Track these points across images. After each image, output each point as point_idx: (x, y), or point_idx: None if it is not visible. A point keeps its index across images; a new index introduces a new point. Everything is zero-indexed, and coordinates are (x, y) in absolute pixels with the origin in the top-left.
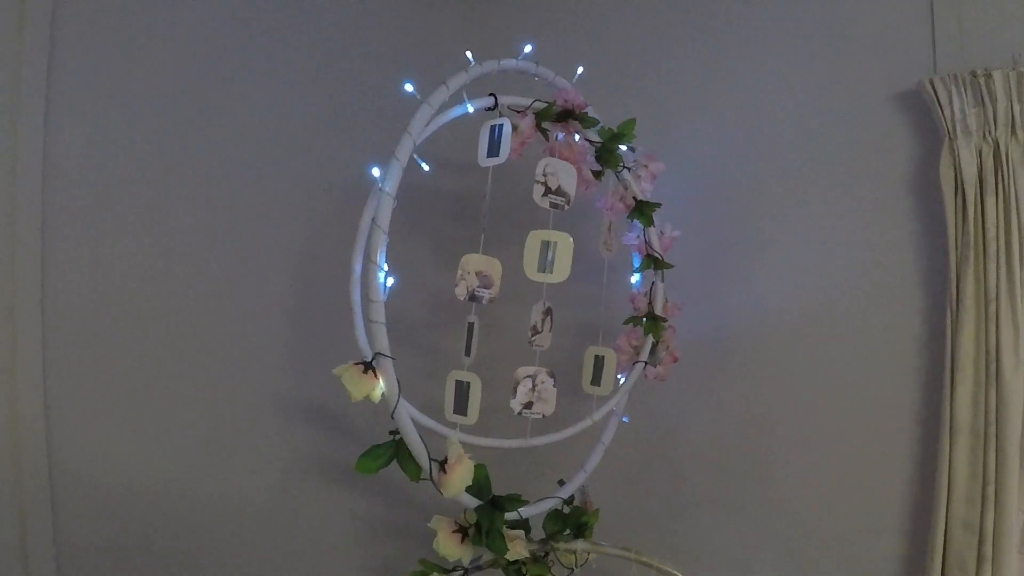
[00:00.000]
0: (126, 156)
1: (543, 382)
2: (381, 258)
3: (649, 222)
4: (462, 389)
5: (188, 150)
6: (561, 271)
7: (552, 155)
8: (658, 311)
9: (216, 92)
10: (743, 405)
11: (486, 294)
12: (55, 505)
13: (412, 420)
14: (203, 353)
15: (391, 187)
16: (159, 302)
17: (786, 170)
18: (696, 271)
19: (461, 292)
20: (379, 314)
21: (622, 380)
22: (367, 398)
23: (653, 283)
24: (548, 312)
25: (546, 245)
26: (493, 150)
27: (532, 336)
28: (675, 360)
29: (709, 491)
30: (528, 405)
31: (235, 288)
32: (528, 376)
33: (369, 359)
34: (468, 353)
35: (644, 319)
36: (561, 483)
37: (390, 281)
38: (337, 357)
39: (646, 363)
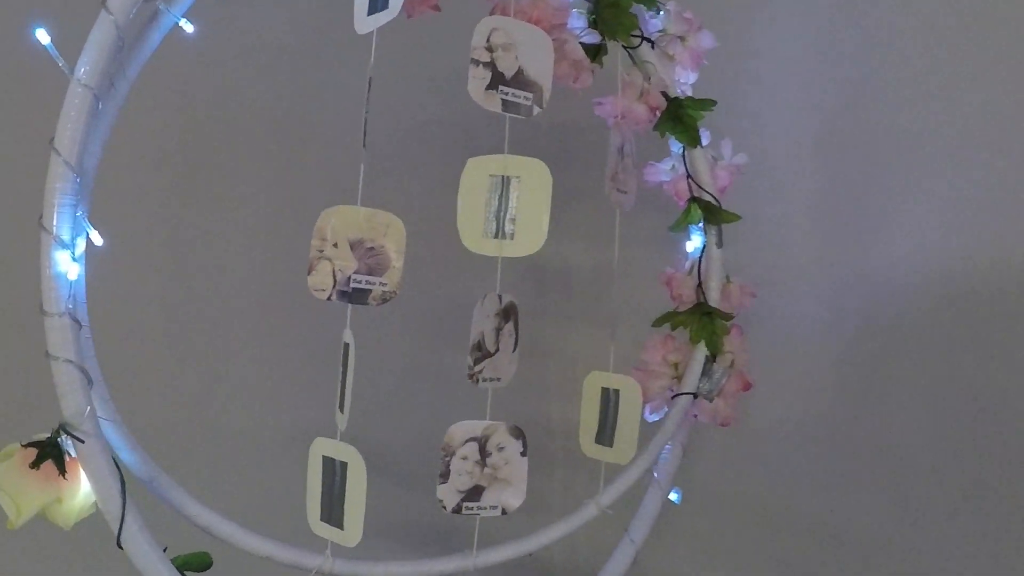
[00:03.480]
0: None
1: (502, 447)
2: (62, 219)
3: (693, 140)
4: (332, 476)
5: None
6: (530, 234)
7: (503, 14)
8: (714, 300)
9: None
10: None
11: (374, 286)
12: None
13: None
14: None
15: (87, 71)
16: None
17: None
18: (790, 228)
19: (320, 282)
20: (62, 342)
21: (655, 419)
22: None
23: (704, 250)
24: (508, 314)
25: (498, 185)
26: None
27: (475, 364)
28: (746, 388)
29: None
30: (473, 494)
31: None
32: (471, 440)
33: (51, 434)
34: (342, 406)
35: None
36: None
37: (75, 272)
38: None
39: (695, 395)
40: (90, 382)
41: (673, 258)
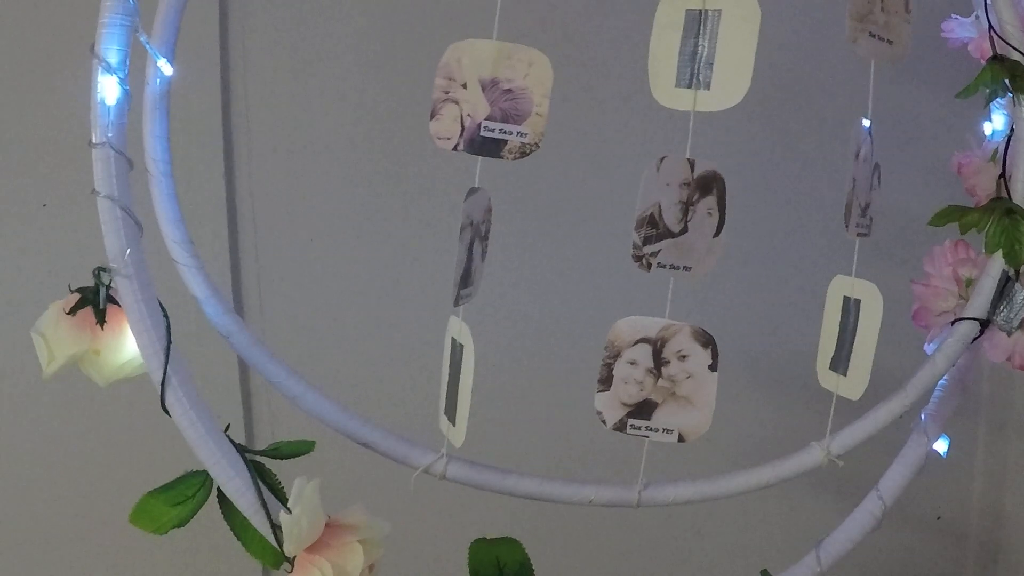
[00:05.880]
0: None
1: (683, 356)
2: (109, 40)
3: None
4: (455, 361)
5: None
6: (730, 81)
7: None
8: (1020, 196)
9: None
10: None
11: (510, 136)
12: None
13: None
14: None
15: None
16: None
17: None
18: None
19: (444, 129)
20: (103, 176)
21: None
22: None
23: (1012, 130)
24: (708, 186)
25: (695, 20)
26: None
27: (644, 244)
28: None
29: None
30: (641, 410)
31: None
32: (643, 341)
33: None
34: (466, 282)
35: (986, 215)
36: None
37: (113, 97)
38: None
39: (984, 323)
40: (139, 226)
41: (965, 139)
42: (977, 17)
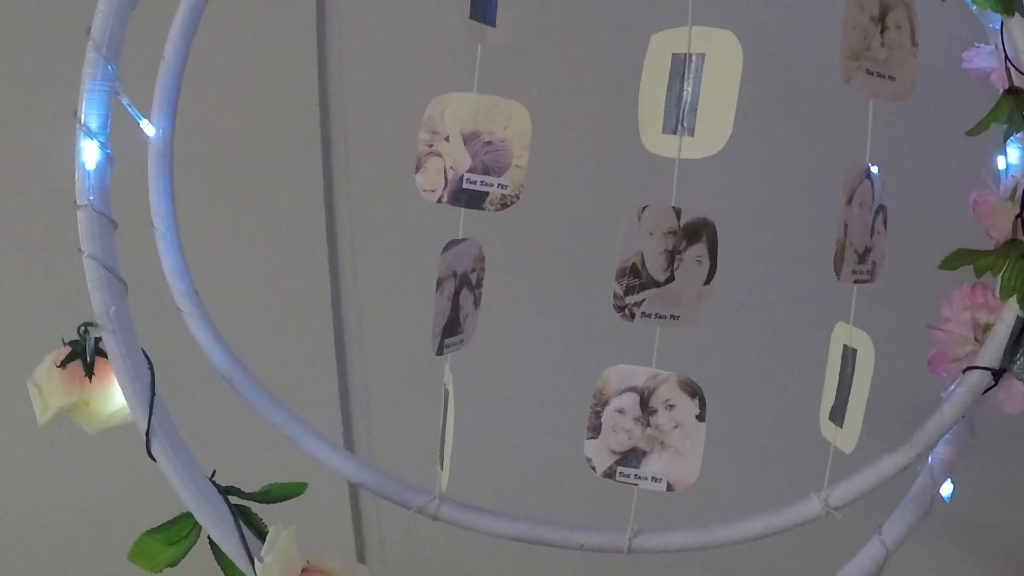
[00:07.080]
0: None
1: (671, 405)
2: (89, 106)
3: (1010, 7)
4: (445, 407)
5: None
6: (713, 128)
7: None
8: None
9: None
10: None
11: (491, 188)
12: None
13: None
14: None
15: None
16: None
17: None
18: None
19: (429, 182)
20: (86, 236)
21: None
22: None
23: None
24: (697, 234)
25: (681, 65)
26: None
27: (626, 294)
28: None
29: None
30: (631, 458)
31: None
32: (630, 390)
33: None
34: (453, 330)
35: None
36: None
37: (92, 161)
38: None
39: (1000, 372)
40: (123, 284)
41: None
42: (996, 45)
